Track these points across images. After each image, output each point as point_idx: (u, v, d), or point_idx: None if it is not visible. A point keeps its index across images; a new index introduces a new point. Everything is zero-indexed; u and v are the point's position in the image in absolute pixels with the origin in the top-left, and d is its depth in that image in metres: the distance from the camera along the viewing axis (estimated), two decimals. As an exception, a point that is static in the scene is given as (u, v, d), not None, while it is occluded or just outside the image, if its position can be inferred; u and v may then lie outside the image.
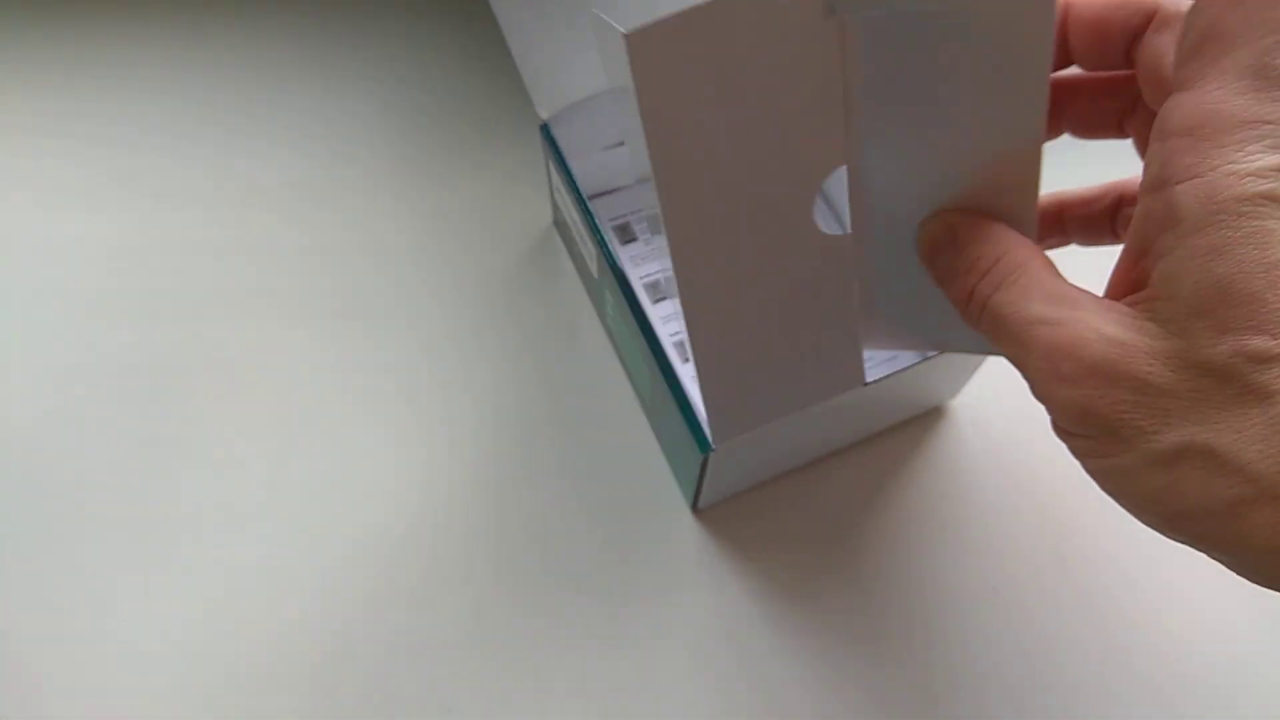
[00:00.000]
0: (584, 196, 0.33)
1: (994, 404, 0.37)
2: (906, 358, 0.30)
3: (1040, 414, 0.20)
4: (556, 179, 0.35)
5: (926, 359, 0.29)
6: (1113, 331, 0.18)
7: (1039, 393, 0.20)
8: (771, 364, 0.25)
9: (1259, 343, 0.17)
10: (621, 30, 0.18)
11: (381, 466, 0.36)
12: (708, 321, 0.24)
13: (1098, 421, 0.18)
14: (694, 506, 0.34)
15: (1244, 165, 0.17)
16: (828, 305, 0.24)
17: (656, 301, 0.37)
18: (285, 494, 0.35)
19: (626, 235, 0.39)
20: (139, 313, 0.38)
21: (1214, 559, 0.18)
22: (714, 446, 0.28)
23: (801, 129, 0.21)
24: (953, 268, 0.22)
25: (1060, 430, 0.20)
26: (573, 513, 0.35)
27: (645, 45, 0.18)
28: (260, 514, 0.35)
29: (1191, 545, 0.18)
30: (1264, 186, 0.17)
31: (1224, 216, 0.17)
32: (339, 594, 0.33)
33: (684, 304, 0.24)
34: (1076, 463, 0.20)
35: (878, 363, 0.30)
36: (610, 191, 0.39)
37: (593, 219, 0.32)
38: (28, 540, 0.34)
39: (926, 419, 0.37)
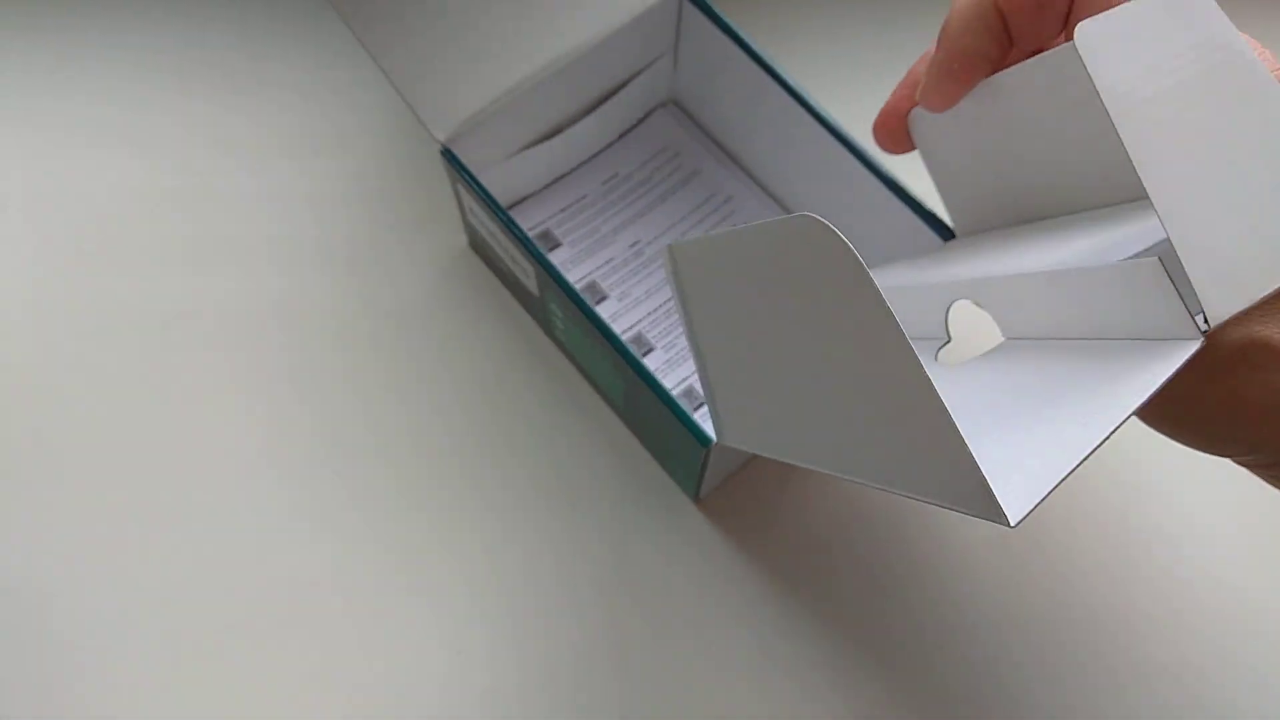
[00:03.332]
0: (513, 220, 0.31)
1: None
2: None
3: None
4: (470, 201, 0.33)
5: None
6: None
7: (1230, 431, 0.20)
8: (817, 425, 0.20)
9: None
10: None
11: (394, 424, 0.36)
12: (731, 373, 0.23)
13: None
14: (696, 497, 0.34)
15: None
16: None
17: (597, 303, 0.37)
18: (291, 442, 0.35)
19: (550, 242, 0.37)
20: (153, 259, 0.38)
21: None
22: (716, 440, 0.28)
23: None
24: None
25: (1260, 467, 0.20)
26: (575, 527, 0.34)
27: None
28: (268, 460, 0.35)
29: None
30: None
31: None
32: (346, 540, 0.34)
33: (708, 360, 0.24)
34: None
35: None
36: (522, 200, 0.38)
37: (526, 239, 0.31)
38: (35, 484, 0.34)
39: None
